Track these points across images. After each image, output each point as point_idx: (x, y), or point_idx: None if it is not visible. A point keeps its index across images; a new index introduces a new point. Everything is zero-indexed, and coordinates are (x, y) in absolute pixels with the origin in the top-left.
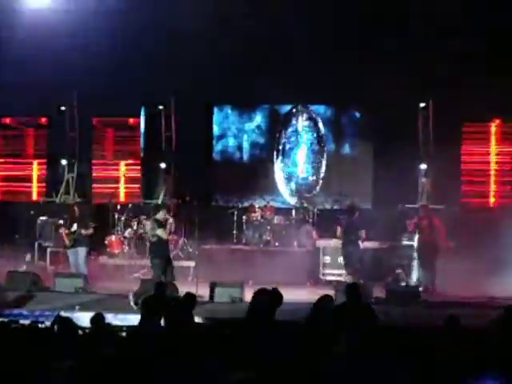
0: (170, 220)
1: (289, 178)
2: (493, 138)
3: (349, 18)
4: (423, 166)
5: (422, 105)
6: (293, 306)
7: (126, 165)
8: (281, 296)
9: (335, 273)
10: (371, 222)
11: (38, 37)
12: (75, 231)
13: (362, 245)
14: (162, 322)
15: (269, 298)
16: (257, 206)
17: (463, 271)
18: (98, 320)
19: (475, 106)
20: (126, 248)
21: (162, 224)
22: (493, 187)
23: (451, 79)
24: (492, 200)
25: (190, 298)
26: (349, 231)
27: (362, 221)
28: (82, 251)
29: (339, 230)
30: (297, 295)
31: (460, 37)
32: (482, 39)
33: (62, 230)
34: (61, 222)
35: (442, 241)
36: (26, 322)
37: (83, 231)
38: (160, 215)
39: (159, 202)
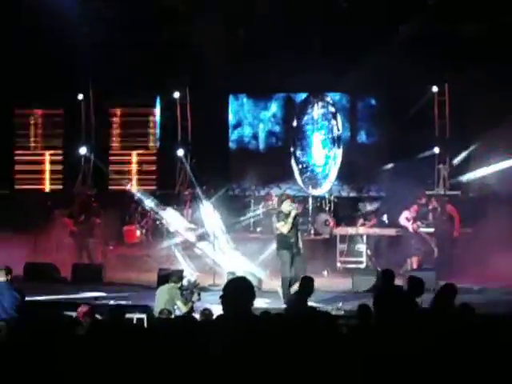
0: (293, 213)
1: (305, 166)
2: None
3: (363, 3)
4: (436, 150)
5: (436, 89)
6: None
7: (140, 154)
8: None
9: (352, 260)
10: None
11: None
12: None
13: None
14: None
15: None
16: (273, 195)
17: (479, 257)
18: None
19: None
20: (144, 238)
21: (286, 216)
22: None
23: (466, 63)
24: None
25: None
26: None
27: None
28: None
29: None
30: (315, 283)
31: (475, 21)
32: (495, 23)
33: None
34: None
35: (457, 228)
36: None
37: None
38: (284, 207)
39: (175, 191)
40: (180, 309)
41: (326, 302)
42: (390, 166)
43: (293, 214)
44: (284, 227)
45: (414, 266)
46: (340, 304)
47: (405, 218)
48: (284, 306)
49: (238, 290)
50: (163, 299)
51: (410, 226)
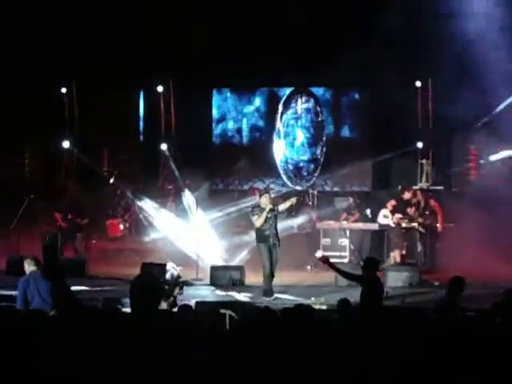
0: (267, 208)
1: (288, 161)
2: None
3: None
4: (420, 145)
5: (419, 84)
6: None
7: (124, 148)
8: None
9: (335, 255)
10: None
11: None
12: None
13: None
14: None
15: None
16: (257, 189)
17: (464, 252)
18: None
19: None
20: (127, 231)
21: (261, 210)
22: None
23: (449, 58)
24: None
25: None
26: None
27: None
28: None
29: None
30: (298, 277)
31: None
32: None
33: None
34: None
35: (440, 223)
36: None
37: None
38: (262, 201)
39: (159, 185)
40: (254, 223)
41: (308, 296)
42: (373, 160)
43: (267, 208)
44: (257, 221)
45: (398, 260)
46: (322, 299)
47: (382, 216)
48: (265, 299)
49: (143, 288)
50: None
51: (390, 221)
